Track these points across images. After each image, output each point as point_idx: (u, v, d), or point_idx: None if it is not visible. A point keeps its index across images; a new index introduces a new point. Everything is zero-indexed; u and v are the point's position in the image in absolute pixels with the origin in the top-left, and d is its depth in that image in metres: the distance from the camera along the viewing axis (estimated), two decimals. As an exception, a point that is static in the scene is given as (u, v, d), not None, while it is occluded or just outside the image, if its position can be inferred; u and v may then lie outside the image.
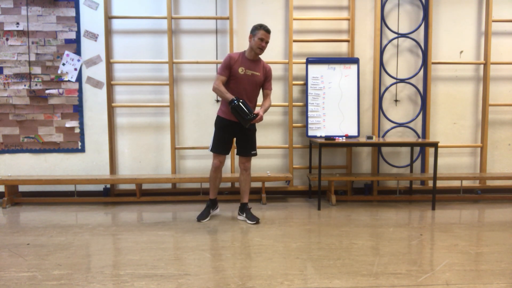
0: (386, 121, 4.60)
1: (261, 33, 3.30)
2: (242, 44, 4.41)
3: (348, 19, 4.47)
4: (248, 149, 3.51)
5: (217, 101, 4.49)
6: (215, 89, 3.38)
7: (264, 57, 4.43)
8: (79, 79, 4.40)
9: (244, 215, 3.55)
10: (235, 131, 3.49)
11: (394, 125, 4.59)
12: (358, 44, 4.52)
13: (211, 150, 3.50)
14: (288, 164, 4.56)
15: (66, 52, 4.38)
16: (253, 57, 3.41)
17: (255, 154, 3.57)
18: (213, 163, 3.52)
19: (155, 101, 4.47)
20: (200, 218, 3.53)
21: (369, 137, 4.09)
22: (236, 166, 4.51)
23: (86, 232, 3.21)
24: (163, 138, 4.51)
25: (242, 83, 3.38)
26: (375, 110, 4.50)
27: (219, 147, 3.48)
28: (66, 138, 4.46)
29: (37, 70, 4.37)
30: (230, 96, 3.29)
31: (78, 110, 4.43)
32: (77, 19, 4.37)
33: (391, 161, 4.65)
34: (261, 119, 3.31)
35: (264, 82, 3.50)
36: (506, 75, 4.63)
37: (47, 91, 4.39)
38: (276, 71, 4.48)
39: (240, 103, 3.23)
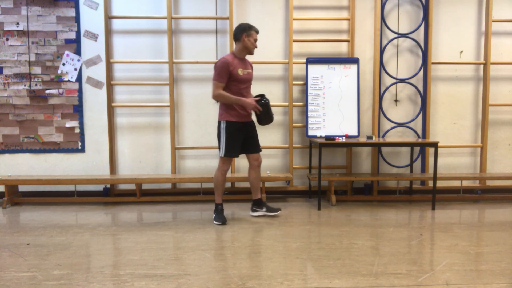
0: (386, 121, 4.60)
1: (255, 34, 3.40)
2: (242, 44, 4.41)
3: (348, 19, 4.47)
4: (258, 145, 3.61)
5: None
6: (218, 97, 3.32)
7: (264, 57, 4.47)
8: (79, 79, 4.40)
9: (265, 209, 3.64)
10: (245, 131, 3.50)
11: (394, 125, 4.59)
12: (358, 44, 4.52)
13: (225, 155, 3.40)
14: (288, 164, 4.56)
15: (66, 52, 4.38)
16: (243, 56, 3.46)
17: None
18: (223, 168, 3.45)
19: (155, 101, 4.47)
20: (224, 220, 3.43)
21: (369, 137, 4.09)
22: (237, 167, 4.51)
23: (86, 232, 3.21)
24: (163, 138, 4.51)
25: (243, 84, 3.39)
26: (375, 110, 4.50)
27: (235, 150, 3.43)
28: (66, 138, 4.46)
29: (37, 70, 4.37)
30: (241, 98, 3.31)
31: (78, 110, 4.43)
32: (77, 19, 4.37)
33: (391, 161, 4.65)
34: None
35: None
36: (506, 75, 4.63)
37: (47, 91, 4.39)
38: (276, 71, 4.48)
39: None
